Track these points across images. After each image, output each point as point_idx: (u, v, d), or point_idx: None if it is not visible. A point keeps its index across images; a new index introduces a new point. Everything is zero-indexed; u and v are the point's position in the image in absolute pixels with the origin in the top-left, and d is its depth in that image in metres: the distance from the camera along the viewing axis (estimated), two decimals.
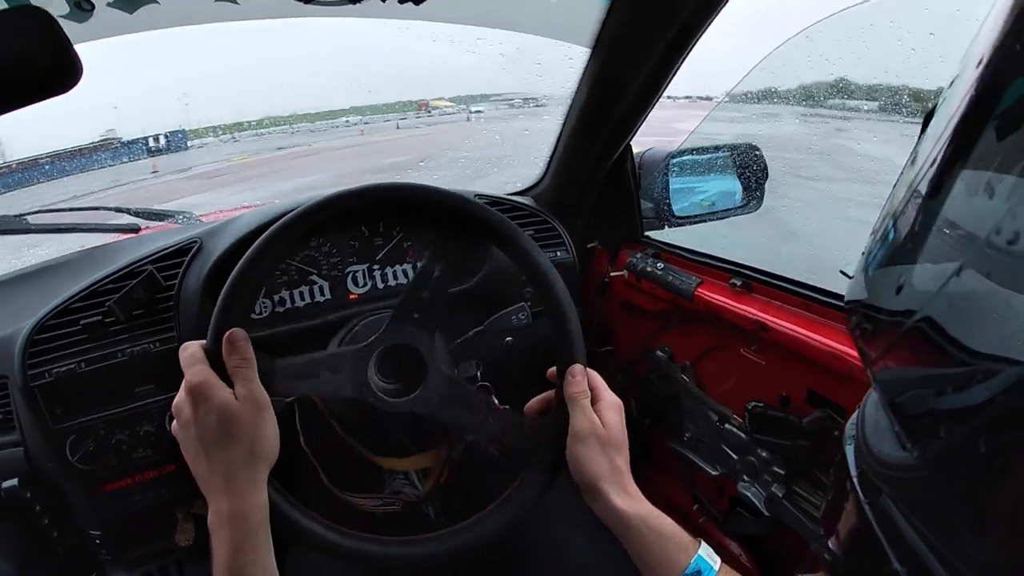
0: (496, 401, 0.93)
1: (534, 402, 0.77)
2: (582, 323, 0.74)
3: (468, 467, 1.00)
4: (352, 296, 1.03)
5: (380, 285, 1.05)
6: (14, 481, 0.92)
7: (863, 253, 0.30)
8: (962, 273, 0.21)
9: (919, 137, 0.27)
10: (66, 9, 0.75)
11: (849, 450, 0.29)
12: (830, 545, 0.31)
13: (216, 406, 0.60)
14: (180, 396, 0.62)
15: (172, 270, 0.96)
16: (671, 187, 1.14)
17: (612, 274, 1.18)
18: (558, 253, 1.13)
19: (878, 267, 0.29)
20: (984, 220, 0.21)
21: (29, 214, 1.19)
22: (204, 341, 0.64)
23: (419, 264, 1.06)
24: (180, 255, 0.96)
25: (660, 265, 1.10)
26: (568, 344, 0.72)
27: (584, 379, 0.71)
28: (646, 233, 1.18)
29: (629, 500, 0.66)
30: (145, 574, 1.08)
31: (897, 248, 0.27)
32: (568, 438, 0.68)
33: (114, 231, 1.20)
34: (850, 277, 0.33)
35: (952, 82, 0.26)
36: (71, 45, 0.56)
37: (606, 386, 0.73)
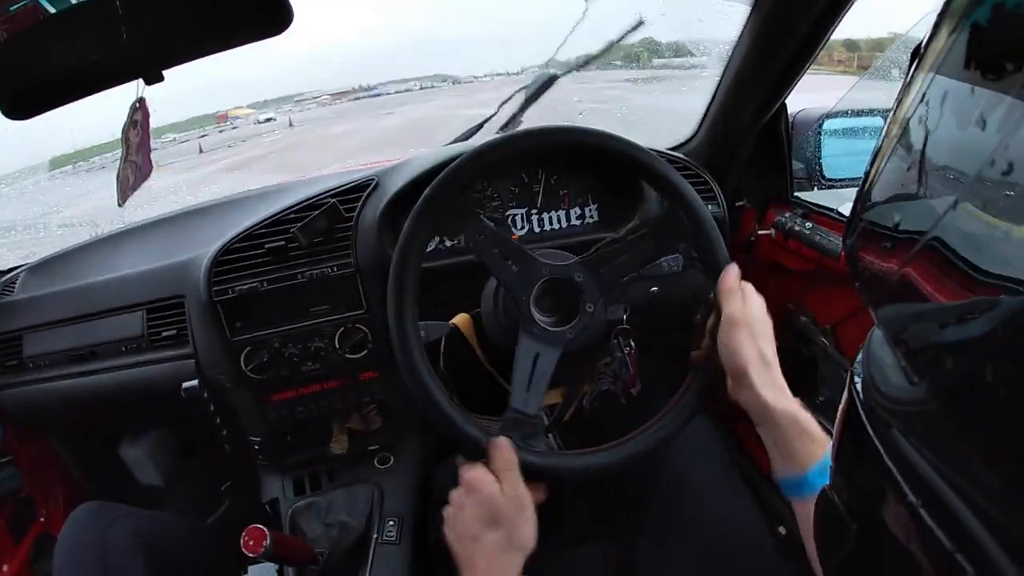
0: (634, 345, 1.00)
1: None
2: None
3: (592, 412, 1.04)
4: (514, 236, 1.09)
5: (537, 229, 1.10)
6: (194, 382, 1.02)
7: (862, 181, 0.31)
8: (958, 206, 0.22)
9: (908, 72, 0.28)
10: None
11: (858, 384, 0.29)
12: (843, 487, 0.31)
13: (486, 497, 0.69)
14: (460, 490, 0.72)
15: (351, 204, 1.03)
16: (823, 149, 1.12)
17: (759, 232, 1.18)
18: (709, 207, 1.12)
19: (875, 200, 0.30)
20: (976, 152, 0.21)
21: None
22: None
23: (574, 211, 1.11)
24: (359, 191, 1.04)
25: (808, 224, 1.08)
26: (716, 246, 0.80)
27: (738, 278, 0.75)
28: (795, 194, 1.17)
29: (775, 392, 0.69)
30: (296, 480, 1.15)
31: (892, 183, 0.28)
32: (720, 324, 0.72)
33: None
34: None
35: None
36: None
37: (753, 289, 0.77)
